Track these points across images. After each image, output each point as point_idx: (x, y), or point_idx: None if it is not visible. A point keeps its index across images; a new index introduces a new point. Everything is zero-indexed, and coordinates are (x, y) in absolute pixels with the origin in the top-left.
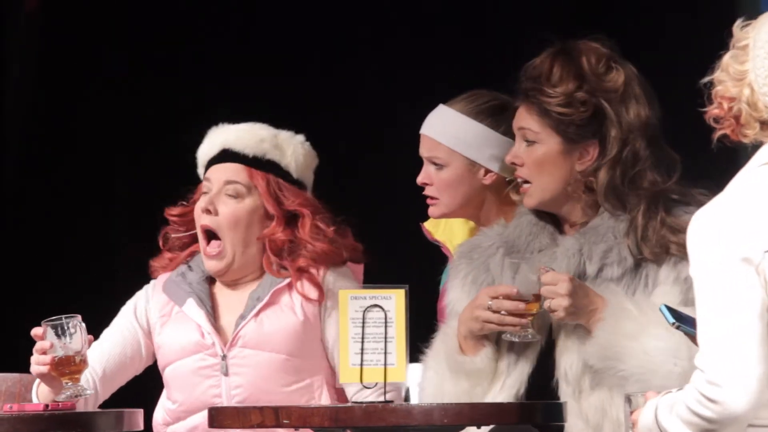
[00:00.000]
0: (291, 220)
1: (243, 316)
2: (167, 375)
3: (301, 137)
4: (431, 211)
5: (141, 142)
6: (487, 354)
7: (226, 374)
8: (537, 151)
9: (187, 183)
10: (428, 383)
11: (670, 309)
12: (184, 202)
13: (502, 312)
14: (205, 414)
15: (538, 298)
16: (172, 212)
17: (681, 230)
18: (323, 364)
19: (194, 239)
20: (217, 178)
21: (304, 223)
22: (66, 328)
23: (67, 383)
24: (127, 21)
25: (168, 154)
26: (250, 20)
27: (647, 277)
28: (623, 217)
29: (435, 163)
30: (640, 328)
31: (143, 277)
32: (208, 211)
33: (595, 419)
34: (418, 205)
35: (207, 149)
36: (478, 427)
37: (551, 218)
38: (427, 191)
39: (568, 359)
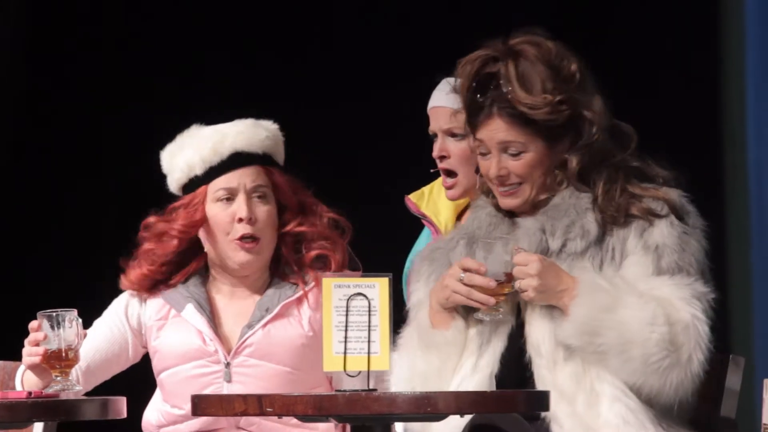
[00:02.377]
0: (299, 209)
1: (250, 325)
2: (164, 379)
3: (276, 125)
4: (451, 194)
5: (131, 134)
6: (458, 327)
7: (228, 381)
8: (525, 159)
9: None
10: (401, 365)
11: None
12: (192, 211)
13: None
14: (202, 420)
15: (510, 278)
16: (175, 225)
17: (642, 196)
18: (326, 377)
19: (178, 258)
20: (240, 185)
21: (316, 212)
22: (61, 321)
23: (56, 377)
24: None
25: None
26: (235, 10)
27: (614, 250)
28: (585, 195)
29: (454, 134)
30: (613, 299)
31: None
32: (250, 220)
33: (570, 390)
34: (400, 192)
35: (207, 156)
36: (461, 416)
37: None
38: (444, 165)
39: (540, 332)
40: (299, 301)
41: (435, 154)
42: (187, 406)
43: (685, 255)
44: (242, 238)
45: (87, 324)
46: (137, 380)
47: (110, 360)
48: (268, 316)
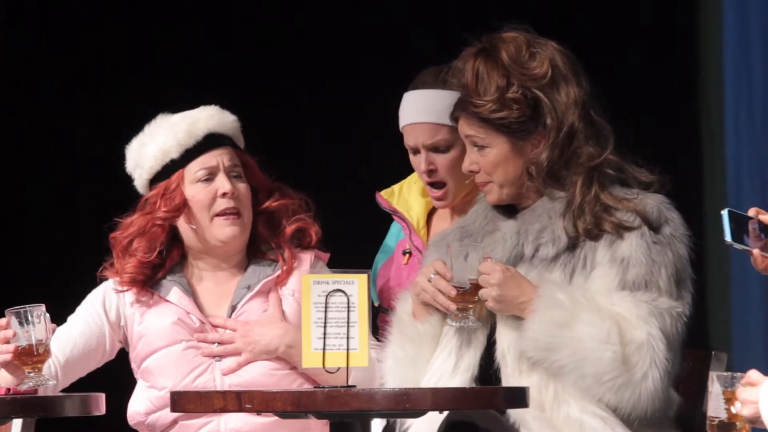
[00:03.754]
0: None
1: (234, 305)
2: (152, 363)
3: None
4: (441, 204)
5: (104, 122)
6: (432, 321)
7: (219, 359)
8: (489, 154)
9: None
10: (387, 354)
11: (732, 215)
12: (171, 197)
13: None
14: None
15: (478, 286)
16: (159, 214)
17: (616, 209)
18: None
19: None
20: (219, 162)
21: (284, 192)
22: (29, 317)
23: (29, 373)
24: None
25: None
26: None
27: (585, 258)
28: (561, 198)
29: (439, 148)
30: (570, 316)
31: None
32: (233, 194)
33: (536, 397)
34: (374, 189)
35: (184, 139)
36: (440, 411)
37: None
38: (433, 179)
39: (506, 342)
40: (279, 277)
41: (423, 169)
42: (179, 387)
43: (654, 267)
44: (225, 212)
45: (60, 320)
46: (116, 377)
47: (88, 354)
48: (250, 294)
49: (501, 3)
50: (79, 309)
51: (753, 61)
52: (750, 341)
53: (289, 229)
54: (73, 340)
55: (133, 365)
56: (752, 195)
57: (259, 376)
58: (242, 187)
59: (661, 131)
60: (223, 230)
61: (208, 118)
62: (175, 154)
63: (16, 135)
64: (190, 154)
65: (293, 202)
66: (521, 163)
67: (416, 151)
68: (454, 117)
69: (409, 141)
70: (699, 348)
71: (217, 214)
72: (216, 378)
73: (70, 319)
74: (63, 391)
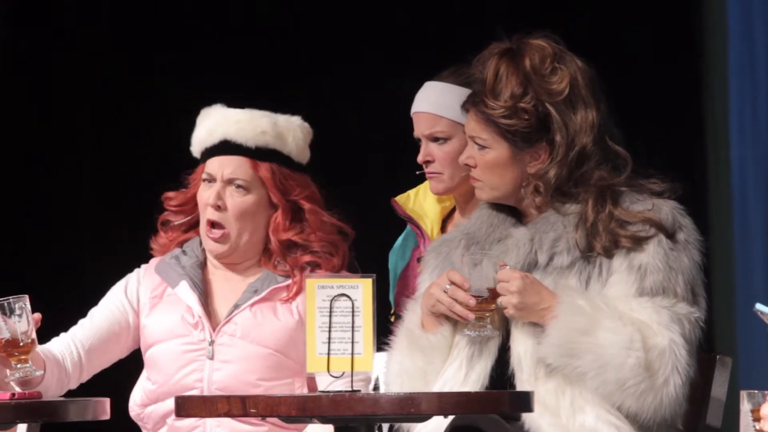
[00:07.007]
0: (296, 210)
1: (237, 305)
2: (150, 356)
3: (298, 119)
4: (433, 186)
5: (106, 122)
6: (443, 333)
7: (211, 358)
8: (488, 155)
9: (158, 164)
10: (392, 361)
11: None
12: (184, 189)
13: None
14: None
15: (495, 294)
16: (172, 202)
17: (630, 222)
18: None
19: (193, 223)
20: (220, 171)
21: (310, 218)
22: (12, 309)
23: (15, 365)
24: None
25: (137, 132)
26: None
27: (601, 266)
28: (572, 209)
29: (437, 139)
30: (592, 322)
31: (110, 266)
32: (217, 207)
33: (552, 403)
34: (385, 194)
35: (204, 136)
36: (445, 416)
37: (511, 209)
38: (430, 169)
39: (522, 348)
40: (289, 287)
41: (420, 159)
42: (170, 383)
43: (671, 273)
44: (209, 222)
45: (60, 321)
46: (121, 381)
47: (112, 340)
48: (256, 297)
49: (505, 4)
50: (102, 300)
51: (757, 63)
52: (755, 345)
53: (301, 259)
54: (97, 326)
55: (143, 350)
56: (757, 197)
57: (245, 385)
58: (237, 201)
59: (666, 133)
60: (207, 242)
61: (234, 123)
62: (198, 148)
63: (18, 135)
64: (205, 154)
65: (313, 241)
66: (517, 171)
67: (420, 141)
68: (465, 108)
69: (414, 130)
70: (704, 352)
71: (207, 223)
72: (204, 378)
73: (94, 308)
74: (69, 394)
